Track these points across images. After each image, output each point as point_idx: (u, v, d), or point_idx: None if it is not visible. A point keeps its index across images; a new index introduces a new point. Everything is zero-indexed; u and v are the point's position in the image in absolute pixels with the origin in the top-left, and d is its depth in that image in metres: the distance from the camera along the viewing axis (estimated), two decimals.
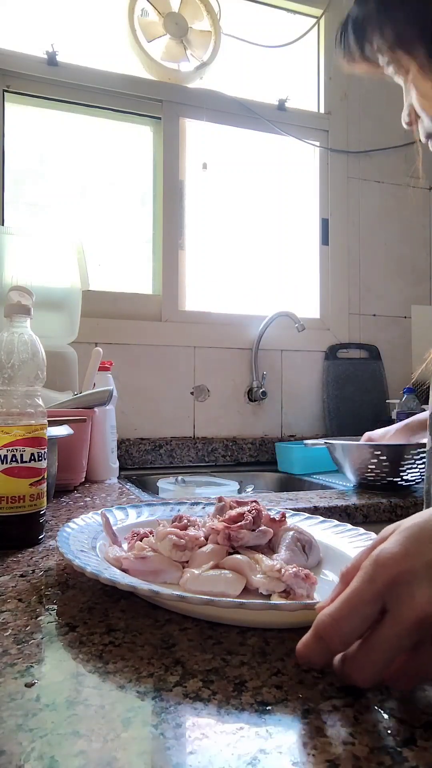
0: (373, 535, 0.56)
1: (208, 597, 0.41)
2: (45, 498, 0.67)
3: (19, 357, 0.65)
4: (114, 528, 0.60)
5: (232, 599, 0.41)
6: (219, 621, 0.42)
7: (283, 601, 0.44)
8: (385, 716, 0.31)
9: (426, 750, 0.28)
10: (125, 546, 0.57)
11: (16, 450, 0.64)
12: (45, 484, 0.67)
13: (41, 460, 0.66)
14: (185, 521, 0.59)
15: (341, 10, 1.99)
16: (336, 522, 0.63)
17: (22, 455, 0.64)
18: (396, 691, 0.33)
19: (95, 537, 0.57)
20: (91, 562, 0.48)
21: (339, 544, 0.57)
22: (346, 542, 0.57)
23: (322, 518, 0.65)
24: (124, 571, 0.49)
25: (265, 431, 1.84)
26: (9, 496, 0.63)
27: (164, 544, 0.53)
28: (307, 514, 0.68)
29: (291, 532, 0.56)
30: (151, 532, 0.58)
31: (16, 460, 0.64)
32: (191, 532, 0.55)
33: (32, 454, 0.65)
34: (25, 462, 0.64)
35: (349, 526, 0.61)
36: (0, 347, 0.65)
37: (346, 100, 2.01)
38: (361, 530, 0.59)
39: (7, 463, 0.63)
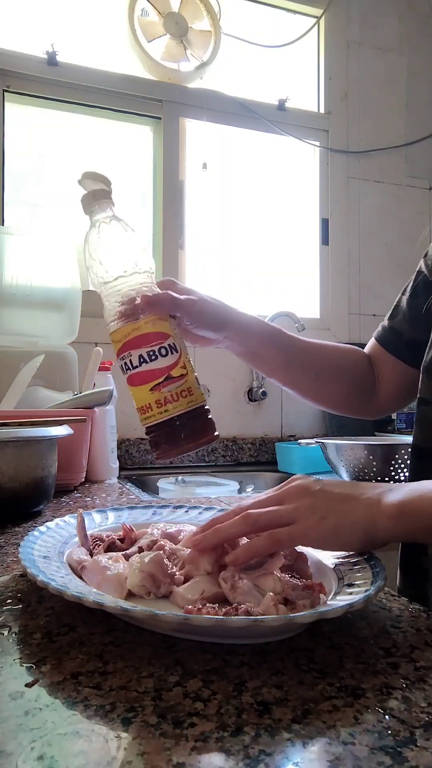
0: None
1: (182, 615, 0.37)
2: (186, 398, 0.57)
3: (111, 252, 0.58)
4: (95, 531, 0.57)
5: (175, 615, 0.37)
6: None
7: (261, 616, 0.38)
8: (385, 716, 0.31)
9: (426, 750, 0.28)
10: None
11: (125, 357, 0.57)
12: (177, 383, 0.57)
13: (154, 359, 0.56)
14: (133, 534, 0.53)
15: (341, 10, 2.00)
16: None
17: (131, 361, 0.57)
18: (396, 691, 0.33)
19: (65, 542, 0.54)
20: (51, 569, 0.45)
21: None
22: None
23: None
24: (80, 576, 0.46)
25: (265, 431, 1.84)
26: (138, 407, 0.58)
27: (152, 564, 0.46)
28: None
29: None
30: (121, 539, 0.53)
31: (129, 367, 0.57)
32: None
33: (140, 357, 0.56)
34: (136, 367, 0.56)
35: None
36: (91, 248, 0.58)
37: (346, 100, 2.01)
38: None
39: (124, 372, 0.58)
